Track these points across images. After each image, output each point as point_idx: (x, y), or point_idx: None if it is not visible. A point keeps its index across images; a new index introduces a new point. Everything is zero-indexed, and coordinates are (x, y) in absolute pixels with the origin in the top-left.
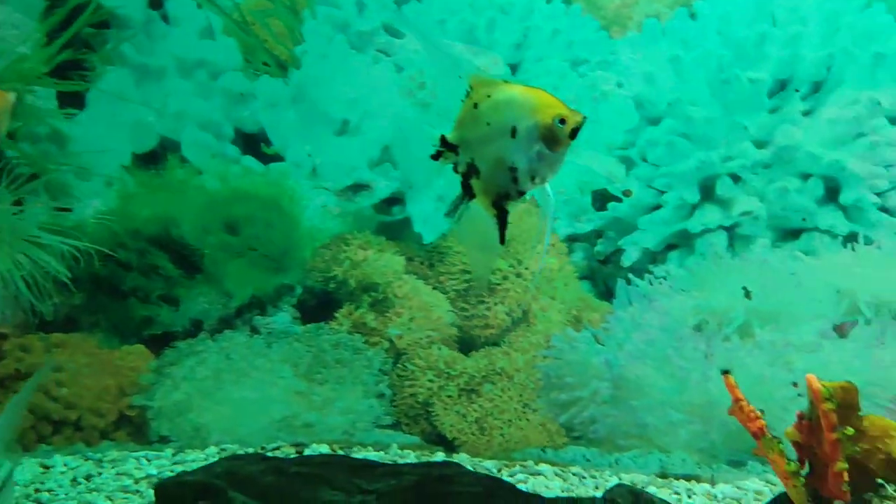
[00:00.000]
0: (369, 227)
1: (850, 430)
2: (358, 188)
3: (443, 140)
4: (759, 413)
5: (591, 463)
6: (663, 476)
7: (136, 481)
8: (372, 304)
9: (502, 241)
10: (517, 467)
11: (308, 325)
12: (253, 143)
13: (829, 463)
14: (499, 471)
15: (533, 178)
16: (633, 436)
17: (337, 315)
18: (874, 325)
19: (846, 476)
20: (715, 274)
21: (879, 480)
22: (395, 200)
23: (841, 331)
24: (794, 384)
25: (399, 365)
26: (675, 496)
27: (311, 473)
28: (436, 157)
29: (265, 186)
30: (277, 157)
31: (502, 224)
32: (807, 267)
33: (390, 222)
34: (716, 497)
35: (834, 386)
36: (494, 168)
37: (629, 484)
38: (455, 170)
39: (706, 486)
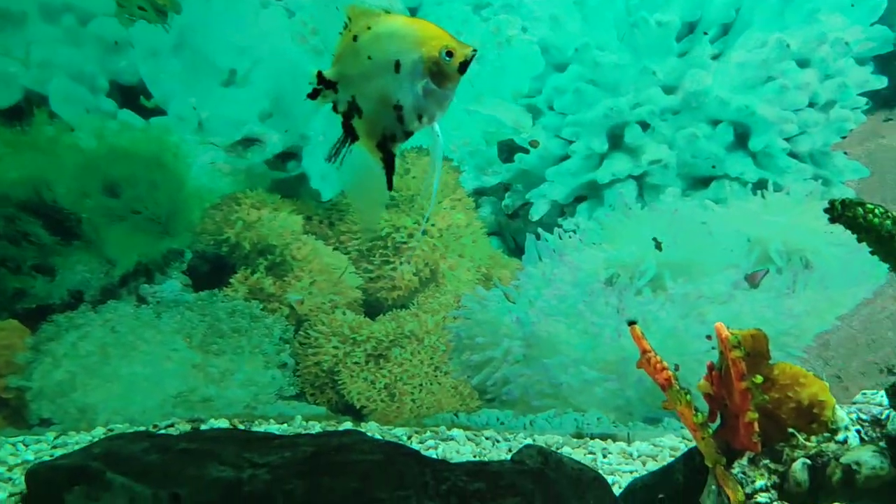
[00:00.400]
0: (262, 185)
1: (758, 379)
2: (249, 143)
3: (320, 77)
4: (665, 364)
5: (505, 426)
6: (579, 436)
7: (10, 468)
8: (269, 268)
9: (390, 186)
10: (428, 433)
11: (201, 293)
12: (131, 96)
13: (739, 413)
14: (409, 438)
15: (420, 117)
16: (548, 395)
17: (231, 281)
18: (785, 273)
19: (756, 426)
20: (625, 225)
21: (791, 430)
22: (289, 155)
23: (752, 280)
24: (708, 337)
25: (301, 332)
26: (591, 456)
27: (199, 450)
28: (312, 95)
29: (146, 143)
30: (159, 111)
31: (389, 168)
32: (717, 216)
33: (285, 179)
34: (631, 455)
35: (743, 334)
36: (378, 107)
37: (538, 444)
38: (335, 109)
39: (622, 444)
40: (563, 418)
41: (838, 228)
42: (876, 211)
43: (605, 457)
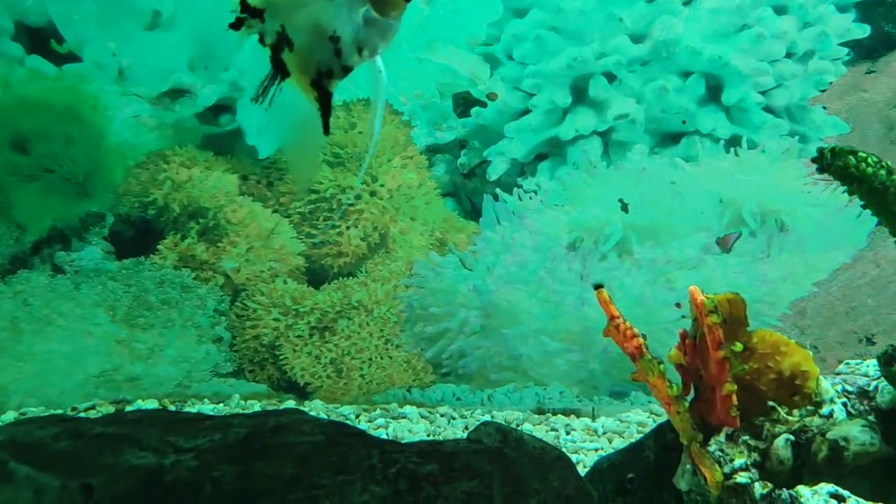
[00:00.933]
0: (193, 141)
1: (738, 346)
2: (177, 94)
3: (243, 4)
4: (636, 331)
5: (462, 402)
6: (540, 412)
7: None
8: (201, 233)
9: (326, 130)
10: (377, 411)
11: (125, 261)
12: (40, 40)
13: (715, 386)
14: (356, 417)
15: (360, 51)
16: (507, 369)
17: (159, 247)
18: (759, 236)
19: (735, 399)
20: (589, 185)
21: (771, 402)
22: (222, 108)
23: (724, 244)
24: (677, 305)
25: (238, 303)
26: (553, 433)
27: (118, 434)
28: (235, 25)
29: (60, 93)
30: (73, 58)
31: (325, 110)
32: (687, 175)
33: (218, 135)
34: (596, 431)
35: (719, 298)
36: (311, 38)
37: (497, 422)
38: (261, 41)
39: (586, 420)
40: (524, 393)
41: (816, 188)
42: (869, 160)
43: (568, 434)
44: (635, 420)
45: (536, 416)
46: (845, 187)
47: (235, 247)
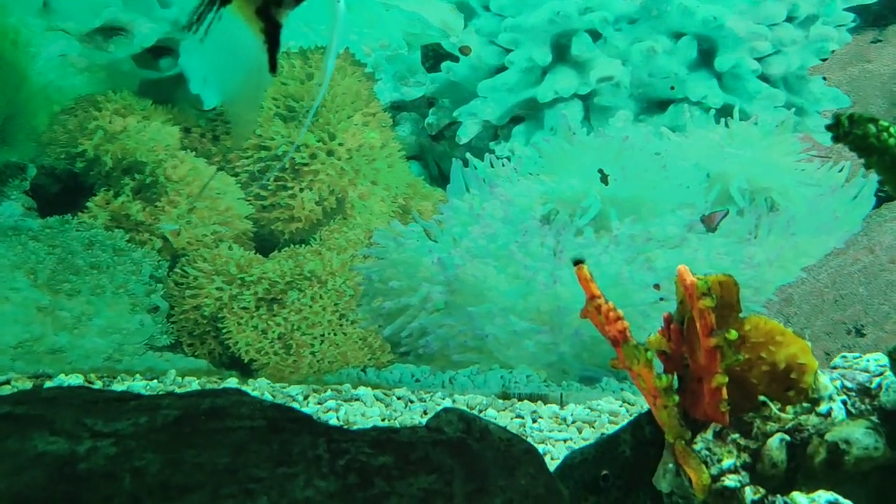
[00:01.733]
0: (128, 87)
1: (733, 334)
2: (110, 32)
3: None
4: (620, 313)
5: (421, 384)
6: (505, 396)
7: None
8: (137, 191)
9: (273, 68)
10: (328, 392)
11: (49, 219)
12: None
13: (703, 377)
14: (305, 398)
15: None
16: (471, 349)
17: (89, 205)
18: (747, 215)
19: (725, 393)
20: (567, 154)
21: (762, 398)
22: (163, 51)
23: (709, 223)
24: (656, 286)
25: (177, 270)
26: (518, 420)
27: (27, 415)
28: None
29: None
30: None
31: (272, 44)
32: (673, 146)
33: (158, 81)
34: (565, 420)
35: (710, 280)
36: None
37: (460, 408)
38: None
39: (554, 407)
40: (488, 376)
41: (810, 166)
42: (891, 129)
43: (534, 422)
44: (607, 409)
45: (501, 401)
46: (844, 165)
47: (175, 207)
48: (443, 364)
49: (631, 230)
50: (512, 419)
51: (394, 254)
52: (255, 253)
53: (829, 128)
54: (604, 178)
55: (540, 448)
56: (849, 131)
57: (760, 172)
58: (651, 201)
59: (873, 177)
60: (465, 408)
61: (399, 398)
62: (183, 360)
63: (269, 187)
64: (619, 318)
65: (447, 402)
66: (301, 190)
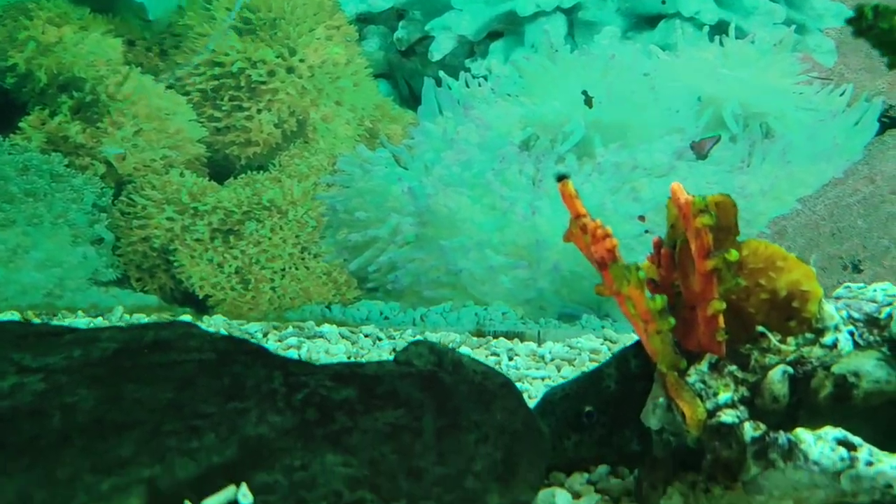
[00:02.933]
0: None
1: (733, 254)
2: None
3: None
4: (608, 230)
5: (390, 321)
6: (480, 334)
7: None
8: (76, 110)
9: None
10: (290, 329)
11: None
12: None
13: (697, 304)
14: (264, 335)
15: None
16: (444, 285)
17: (22, 125)
18: (740, 142)
19: (722, 321)
20: (549, 73)
21: (761, 328)
22: None
23: (699, 149)
24: (641, 218)
25: (124, 197)
26: (494, 358)
27: None
28: None
29: None
30: None
31: None
32: (663, 66)
33: None
34: (542, 358)
35: (707, 199)
36: None
37: (431, 341)
38: None
39: (531, 345)
40: (462, 313)
41: (809, 89)
42: None
43: (511, 359)
44: (587, 347)
45: (475, 338)
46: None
47: (120, 129)
48: (413, 301)
49: (616, 157)
50: (487, 357)
51: (360, 182)
52: (209, 180)
53: (850, 21)
54: (588, 101)
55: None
56: (873, 24)
57: (756, 96)
58: (638, 126)
59: (877, 101)
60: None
61: (366, 336)
62: (131, 296)
63: (224, 107)
64: (607, 236)
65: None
66: (258, 111)
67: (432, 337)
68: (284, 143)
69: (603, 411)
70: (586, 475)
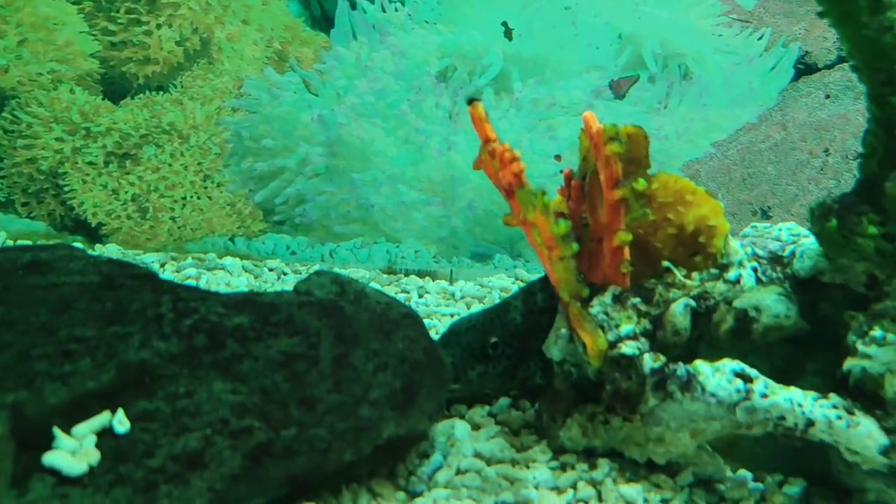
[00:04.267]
0: None
1: (641, 183)
2: None
3: None
4: (516, 154)
5: (297, 256)
6: (391, 272)
7: None
8: None
9: None
10: (189, 260)
11: None
12: None
13: (604, 236)
14: (162, 266)
15: None
16: (355, 220)
17: None
18: (659, 83)
19: (627, 252)
20: (469, 2)
21: (666, 263)
22: None
23: (618, 89)
24: (557, 157)
25: (6, 114)
26: (404, 295)
27: None
28: None
29: None
30: None
31: None
32: (585, 1)
33: None
34: (453, 295)
35: (619, 129)
36: None
37: (334, 271)
38: None
39: (443, 283)
40: (373, 249)
41: (729, 32)
42: None
43: (421, 297)
44: (498, 285)
45: (386, 276)
46: None
47: (2, 37)
48: (322, 235)
49: (534, 93)
50: (396, 294)
51: (267, 107)
52: (103, 99)
53: None
54: (507, 33)
55: (427, 322)
56: None
57: (676, 36)
58: (557, 62)
59: (794, 47)
60: None
61: (271, 270)
62: (16, 222)
63: (120, 20)
64: (514, 160)
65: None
66: (158, 26)
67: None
68: (186, 62)
69: (508, 344)
70: (487, 408)
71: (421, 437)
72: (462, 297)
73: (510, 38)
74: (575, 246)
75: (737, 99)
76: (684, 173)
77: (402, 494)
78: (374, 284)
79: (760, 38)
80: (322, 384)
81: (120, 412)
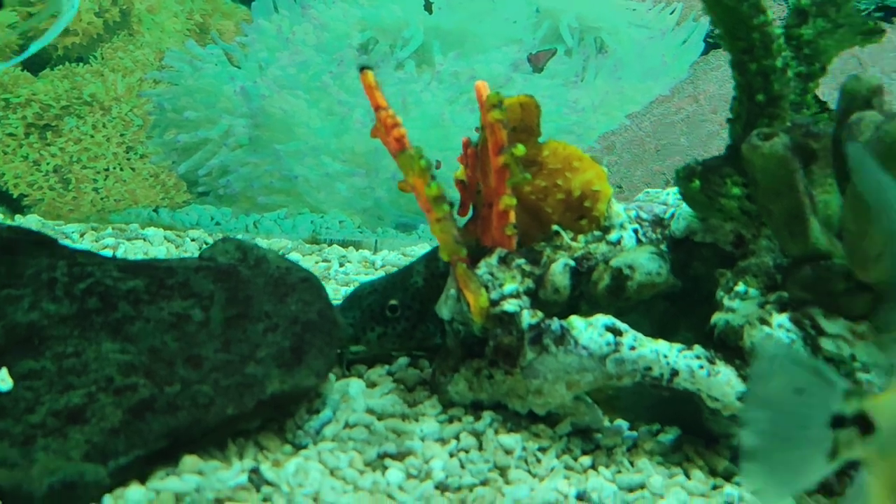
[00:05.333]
0: None
1: (520, 150)
2: None
3: None
4: (398, 120)
5: (222, 227)
6: (315, 242)
7: None
8: None
9: None
10: (109, 230)
11: None
12: None
13: (493, 201)
14: (81, 235)
15: None
16: (278, 191)
17: None
18: (575, 56)
19: (513, 216)
20: None
21: (555, 227)
22: None
23: (536, 62)
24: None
25: None
26: (325, 264)
27: None
28: None
29: None
30: None
31: None
32: None
33: None
34: (374, 264)
35: (509, 100)
36: None
37: (240, 238)
38: None
39: (366, 252)
40: (297, 220)
41: (642, 6)
42: None
43: (342, 266)
44: (420, 254)
45: (308, 245)
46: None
47: None
48: (247, 206)
49: (454, 66)
50: (317, 263)
51: (189, 80)
52: (23, 70)
53: None
54: (427, 6)
55: (344, 290)
56: None
57: (591, 10)
58: (476, 35)
59: (704, 21)
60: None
61: (193, 240)
62: None
63: None
64: (395, 125)
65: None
66: None
67: (263, 243)
68: (106, 33)
69: (408, 306)
70: (387, 367)
71: (308, 393)
72: (383, 266)
73: (430, 12)
74: (446, 207)
75: (650, 72)
76: (601, 145)
77: (288, 448)
78: (295, 254)
79: (672, 12)
80: (210, 344)
81: (3, 371)
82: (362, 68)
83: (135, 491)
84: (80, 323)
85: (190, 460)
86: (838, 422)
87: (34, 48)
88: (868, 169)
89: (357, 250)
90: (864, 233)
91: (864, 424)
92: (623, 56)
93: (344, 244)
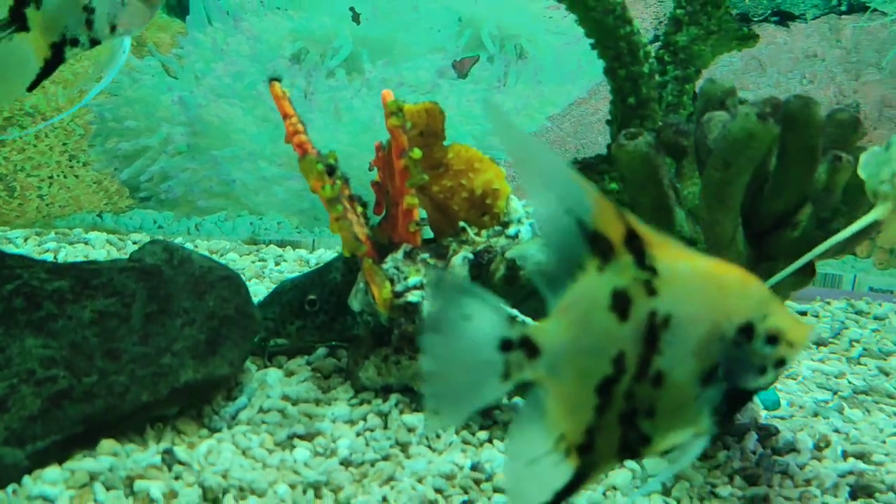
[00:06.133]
0: None
1: (416, 153)
2: None
3: None
4: (301, 128)
5: (164, 230)
6: (254, 243)
7: None
8: None
9: (30, 89)
10: (51, 235)
11: None
12: None
13: (399, 200)
14: (25, 240)
15: (113, 29)
16: (217, 195)
17: None
18: (497, 62)
19: (416, 214)
20: None
21: (462, 223)
22: None
23: (461, 68)
24: None
25: None
26: (260, 263)
27: None
28: None
29: None
30: None
31: (46, 72)
32: None
33: None
34: (308, 263)
35: (415, 108)
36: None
37: (167, 240)
38: None
39: (302, 252)
40: (237, 222)
41: (557, 14)
42: None
43: (277, 264)
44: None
45: (246, 246)
46: None
47: None
48: (188, 210)
49: (383, 73)
50: (254, 262)
51: (129, 90)
52: None
53: None
54: (355, 17)
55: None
56: None
57: (511, 18)
58: (403, 43)
59: None
60: (205, 252)
61: (135, 243)
62: None
63: None
64: (296, 133)
65: (188, 248)
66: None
67: (203, 244)
68: None
69: (326, 300)
70: (306, 357)
71: (223, 381)
72: (317, 264)
73: (358, 22)
74: (340, 208)
75: (567, 76)
76: None
77: (204, 431)
78: (233, 255)
79: None
80: (129, 338)
81: None
82: (271, 80)
83: (52, 471)
84: (6, 321)
85: (107, 443)
86: (507, 346)
87: (94, 92)
88: (502, 123)
89: (294, 250)
90: (716, 220)
91: (530, 348)
92: (542, 61)
93: (282, 244)
